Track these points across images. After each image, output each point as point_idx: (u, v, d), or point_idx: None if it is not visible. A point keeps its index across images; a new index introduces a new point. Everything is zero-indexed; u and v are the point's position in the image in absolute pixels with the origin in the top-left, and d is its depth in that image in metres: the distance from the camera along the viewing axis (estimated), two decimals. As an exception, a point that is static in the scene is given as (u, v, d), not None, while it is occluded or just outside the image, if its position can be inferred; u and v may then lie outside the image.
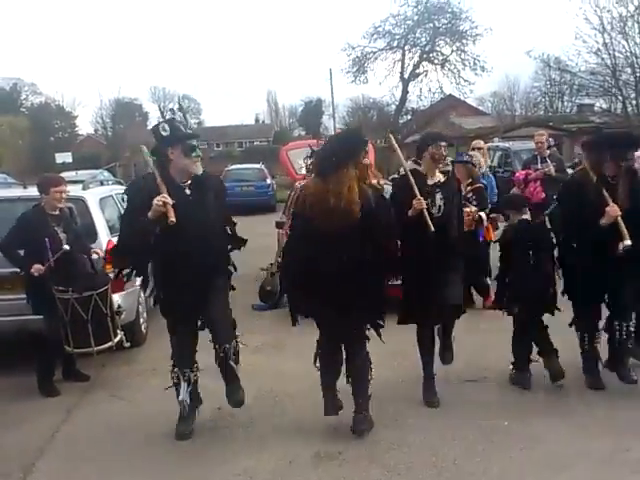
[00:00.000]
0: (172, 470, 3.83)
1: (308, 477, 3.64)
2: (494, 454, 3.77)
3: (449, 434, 4.07)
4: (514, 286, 4.77)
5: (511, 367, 4.79)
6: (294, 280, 4.16)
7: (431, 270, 4.34)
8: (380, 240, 3.97)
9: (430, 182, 4.50)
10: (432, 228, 4.27)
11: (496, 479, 3.50)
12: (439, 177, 4.56)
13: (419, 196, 4.30)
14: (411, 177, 4.39)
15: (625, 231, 4.25)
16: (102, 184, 7.68)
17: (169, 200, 3.82)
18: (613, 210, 4.27)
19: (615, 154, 4.45)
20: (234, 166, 23.49)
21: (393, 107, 32.84)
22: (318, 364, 4.22)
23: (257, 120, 61.33)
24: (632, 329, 4.64)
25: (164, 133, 4.06)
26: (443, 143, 4.48)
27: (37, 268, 4.92)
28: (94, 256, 5.38)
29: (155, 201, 3.81)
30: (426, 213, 4.30)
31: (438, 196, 4.46)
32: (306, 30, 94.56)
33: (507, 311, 4.83)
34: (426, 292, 4.37)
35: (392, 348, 5.75)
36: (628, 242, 4.23)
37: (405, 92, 31.72)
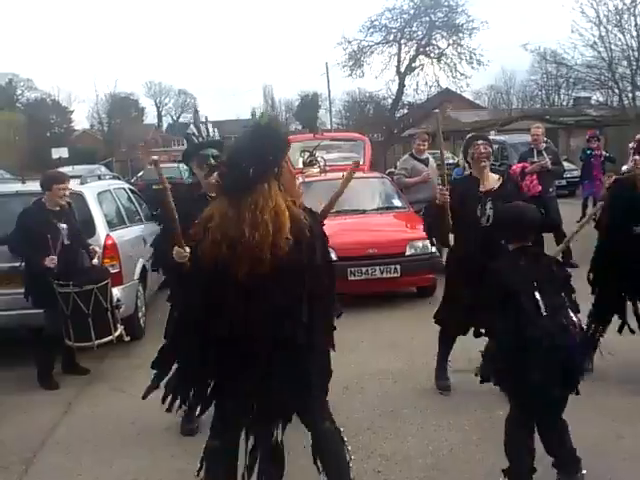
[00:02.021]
0: (174, 461, 3.87)
1: (308, 465, 3.67)
2: (490, 443, 3.79)
3: (445, 424, 4.13)
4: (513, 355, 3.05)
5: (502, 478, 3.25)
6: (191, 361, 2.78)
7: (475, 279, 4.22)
8: (315, 287, 2.70)
9: (482, 188, 4.36)
10: (450, 224, 4.22)
11: (492, 467, 3.53)
12: (493, 183, 4.39)
13: (444, 189, 4.21)
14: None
15: None
16: (100, 179, 7.72)
17: (186, 254, 3.32)
18: None
19: None
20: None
21: (390, 101, 32.84)
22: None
23: (253, 115, 61.26)
24: None
25: (185, 147, 4.02)
26: (480, 142, 4.40)
27: (51, 259, 4.95)
28: (95, 260, 5.40)
29: (175, 254, 3.40)
30: (448, 207, 4.18)
31: (488, 205, 4.29)
32: (302, 24, 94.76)
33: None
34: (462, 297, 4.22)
35: (385, 339, 5.88)
36: None
37: (401, 86, 31.73)
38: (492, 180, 4.42)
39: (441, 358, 4.66)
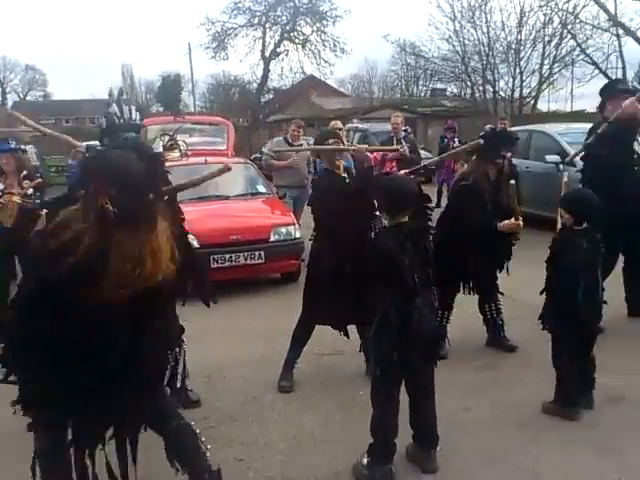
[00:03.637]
0: (21, 465, 3.61)
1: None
2: (351, 423, 3.90)
3: (307, 407, 4.17)
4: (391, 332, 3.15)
5: (366, 457, 3.33)
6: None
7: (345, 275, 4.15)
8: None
9: None
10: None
11: (351, 446, 3.62)
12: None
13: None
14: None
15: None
16: None
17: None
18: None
19: (491, 154, 4.65)
20: (86, 143, 22.21)
21: (255, 85, 32.74)
22: None
23: (111, 95, 58.50)
24: (500, 306, 5.02)
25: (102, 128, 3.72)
26: (332, 140, 4.39)
27: None
28: None
29: None
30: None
31: None
32: (164, 1, 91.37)
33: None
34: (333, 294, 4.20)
35: (248, 326, 5.84)
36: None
37: (267, 71, 31.75)
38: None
39: (291, 357, 4.55)
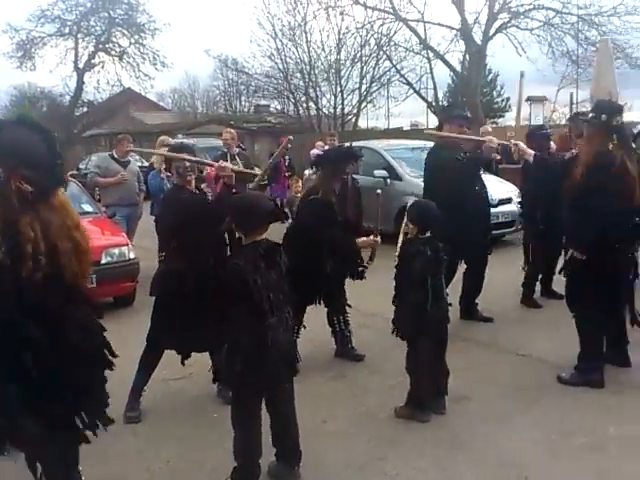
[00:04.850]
0: None
1: None
2: (207, 447, 3.79)
3: (159, 436, 3.98)
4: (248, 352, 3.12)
5: None
6: None
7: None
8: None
9: None
10: None
11: (210, 473, 3.51)
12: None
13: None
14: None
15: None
16: None
17: None
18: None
19: (337, 169, 4.79)
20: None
21: (68, 98, 30.90)
22: None
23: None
24: (348, 318, 5.20)
25: None
26: (185, 154, 4.23)
27: None
28: None
29: None
30: None
31: None
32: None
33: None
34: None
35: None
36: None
37: (81, 83, 30.10)
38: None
39: (137, 385, 4.30)
